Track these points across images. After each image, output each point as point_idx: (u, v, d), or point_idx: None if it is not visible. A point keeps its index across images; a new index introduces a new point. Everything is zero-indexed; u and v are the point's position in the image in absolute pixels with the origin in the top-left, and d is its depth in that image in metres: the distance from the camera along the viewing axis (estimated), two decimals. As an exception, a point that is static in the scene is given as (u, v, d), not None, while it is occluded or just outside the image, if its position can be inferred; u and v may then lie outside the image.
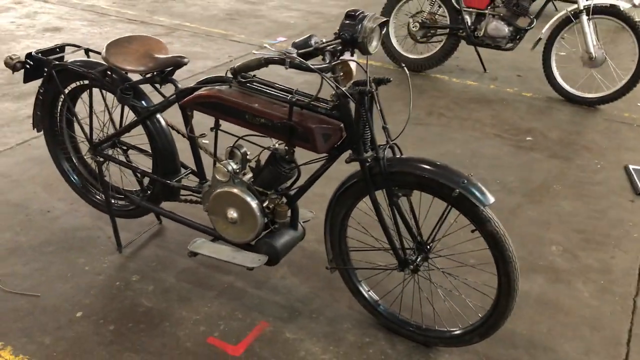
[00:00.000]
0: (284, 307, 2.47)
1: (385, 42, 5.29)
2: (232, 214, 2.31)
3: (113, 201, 2.77)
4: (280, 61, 1.92)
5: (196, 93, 2.26)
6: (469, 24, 4.91)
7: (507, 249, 1.98)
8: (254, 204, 2.26)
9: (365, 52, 1.95)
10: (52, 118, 2.79)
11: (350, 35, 1.92)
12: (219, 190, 2.32)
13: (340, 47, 1.99)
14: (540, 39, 4.77)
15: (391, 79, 2.06)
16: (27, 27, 5.93)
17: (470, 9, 4.90)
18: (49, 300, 2.44)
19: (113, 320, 2.36)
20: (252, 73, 2.22)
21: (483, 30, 4.87)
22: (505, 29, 4.79)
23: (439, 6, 5.08)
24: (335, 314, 2.45)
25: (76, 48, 2.70)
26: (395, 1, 5.21)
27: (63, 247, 2.76)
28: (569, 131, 4.23)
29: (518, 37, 4.87)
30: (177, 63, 2.38)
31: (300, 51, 2.00)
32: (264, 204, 2.29)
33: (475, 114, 4.45)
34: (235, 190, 2.28)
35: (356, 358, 2.24)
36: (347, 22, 1.94)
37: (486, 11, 4.84)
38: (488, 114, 4.47)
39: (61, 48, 2.69)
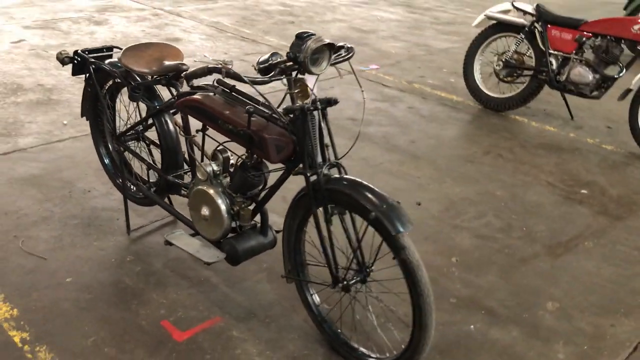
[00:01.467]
0: (243, 308, 2.60)
1: (469, 79, 5.22)
2: (205, 211, 2.50)
3: (131, 187, 3.08)
4: (218, 70, 2.07)
5: (185, 97, 2.49)
6: (554, 68, 4.70)
7: (419, 280, 1.96)
8: (223, 205, 2.43)
9: (307, 70, 2.05)
10: (95, 109, 3.19)
11: (294, 54, 2.04)
12: (197, 188, 2.52)
13: (291, 65, 2.11)
14: (629, 89, 4.43)
15: (338, 101, 2.16)
16: (152, 36, 6.66)
17: (557, 52, 4.69)
18: (51, 264, 2.79)
19: (93, 291, 2.64)
20: (232, 83, 2.41)
21: (566, 75, 4.63)
22: (590, 76, 4.52)
23: (528, 47, 4.92)
24: (288, 324, 2.53)
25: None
26: (483, 38, 5.14)
27: (85, 222, 3.13)
28: (635, 191, 3.88)
29: (605, 85, 4.56)
30: (178, 69, 2.63)
31: (260, 66, 2.15)
32: (233, 207, 2.45)
33: (538, 159, 4.25)
34: (210, 190, 2.47)
35: (285, 366, 2.30)
36: (295, 41, 2.06)
37: (572, 55, 4.60)
38: (552, 161, 4.24)
39: (108, 49, 3.07)
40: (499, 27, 5.03)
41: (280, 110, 2.20)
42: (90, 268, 2.79)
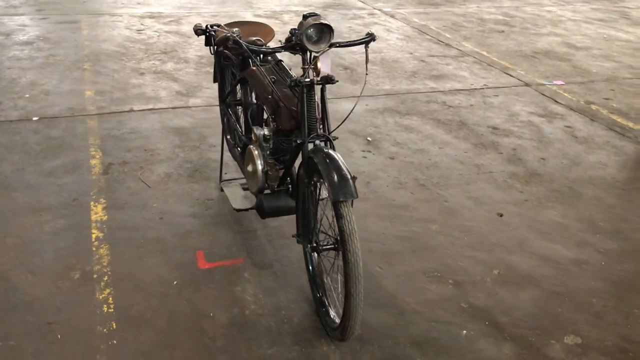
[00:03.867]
0: (267, 258, 2.93)
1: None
2: (249, 167, 2.88)
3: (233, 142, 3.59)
4: (228, 38, 2.40)
5: (250, 68, 2.89)
6: None
7: (348, 249, 2.07)
8: (260, 165, 2.79)
9: (304, 47, 2.28)
10: (222, 76, 3.77)
11: (295, 31, 2.29)
12: (248, 147, 2.92)
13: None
14: None
15: (337, 80, 2.35)
16: (354, 32, 7.20)
17: None
18: (150, 191, 3.46)
19: (166, 215, 3.23)
20: (278, 57, 2.74)
21: None
22: None
23: None
24: (293, 280, 2.79)
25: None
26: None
27: (194, 168, 3.75)
28: None
29: None
30: (255, 44, 3.03)
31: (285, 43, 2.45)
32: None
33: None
34: (255, 151, 2.84)
35: (269, 317, 2.57)
36: (300, 21, 2.31)
37: None
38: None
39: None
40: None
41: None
42: (175, 200, 3.39)
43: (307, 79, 2.33)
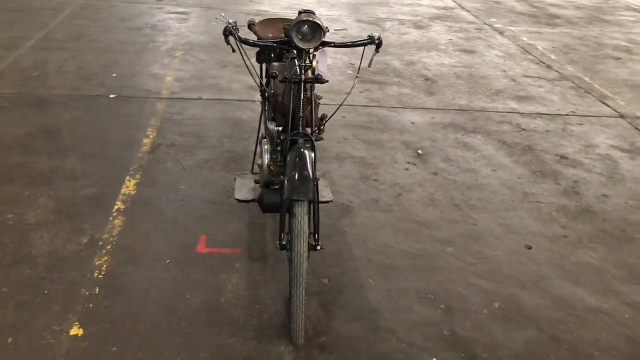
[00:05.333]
0: (264, 252, 2.95)
1: None
2: (258, 160, 2.93)
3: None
4: (228, 29, 2.43)
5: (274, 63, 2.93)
6: None
7: (294, 249, 2.06)
8: (266, 159, 2.82)
9: (293, 43, 2.27)
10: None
11: (288, 27, 2.29)
12: (262, 140, 2.97)
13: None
14: None
15: (326, 80, 2.31)
16: (453, 44, 6.99)
17: None
18: (184, 174, 3.62)
19: (187, 197, 3.36)
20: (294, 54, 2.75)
21: None
22: None
23: None
24: (283, 275, 2.77)
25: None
26: None
27: (233, 158, 3.87)
28: None
29: None
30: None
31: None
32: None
33: None
34: (265, 146, 2.88)
35: (241, 308, 2.60)
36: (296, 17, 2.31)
37: None
38: None
39: None
40: None
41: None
42: (202, 185, 3.51)
43: (296, 76, 2.32)
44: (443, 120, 4.79)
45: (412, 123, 4.67)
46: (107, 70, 5.26)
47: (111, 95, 4.72)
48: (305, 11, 2.29)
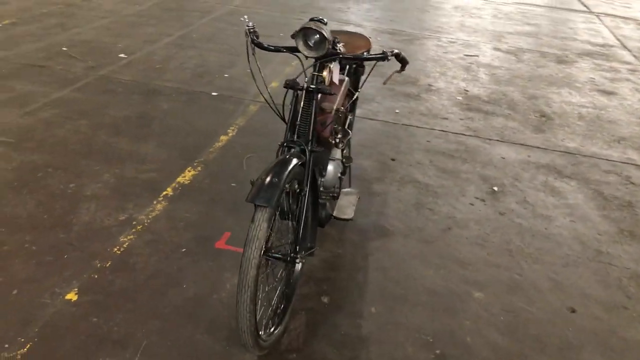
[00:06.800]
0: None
1: None
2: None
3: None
4: (247, 31, 2.44)
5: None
6: None
7: (244, 255, 2.01)
8: None
9: (297, 48, 2.24)
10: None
11: (294, 34, 2.26)
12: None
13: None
14: None
15: (330, 92, 2.25)
16: (593, 84, 6.38)
17: None
18: (239, 173, 3.71)
19: (216, 181, 3.45)
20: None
21: None
22: None
23: None
24: (281, 287, 2.73)
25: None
26: None
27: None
28: None
29: None
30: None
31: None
32: None
33: None
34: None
35: (229, 308, 2.61)
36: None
37: None
38: None
39: None
40: None
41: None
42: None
43: (300, 84, 2.29)
44: (539, 160, 4.38)
45: (502, 158, 4.34)
46: (221, 70, 5.57)
47: (213, 93, 4.99)
48: (314, 19, 2.24)
